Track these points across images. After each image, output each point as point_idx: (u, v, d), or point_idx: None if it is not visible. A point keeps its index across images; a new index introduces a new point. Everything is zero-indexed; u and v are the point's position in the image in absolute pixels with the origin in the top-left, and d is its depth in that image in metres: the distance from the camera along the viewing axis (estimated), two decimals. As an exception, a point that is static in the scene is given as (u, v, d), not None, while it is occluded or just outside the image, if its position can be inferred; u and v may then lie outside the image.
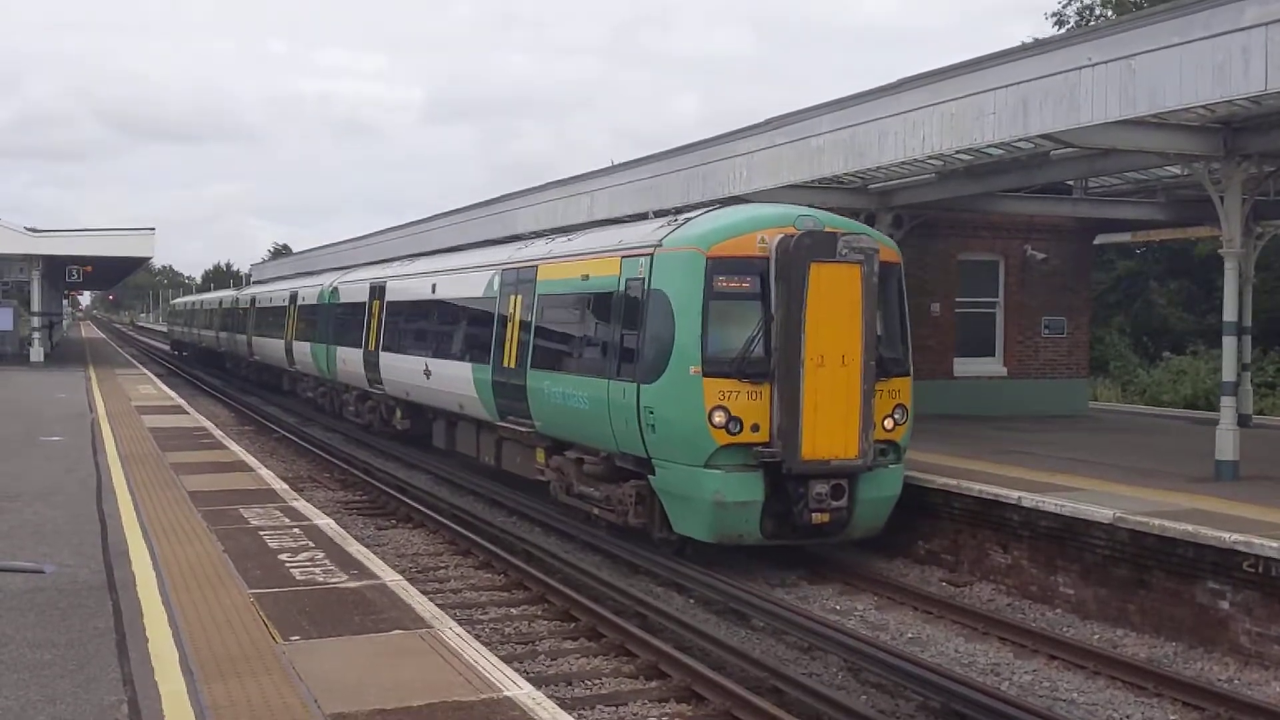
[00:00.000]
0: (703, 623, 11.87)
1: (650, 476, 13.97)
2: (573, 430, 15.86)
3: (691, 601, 12.96)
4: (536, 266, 17.55)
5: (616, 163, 25.13)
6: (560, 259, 16.99)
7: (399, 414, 25.13)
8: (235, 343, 45.93)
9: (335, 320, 29.77)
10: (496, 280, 18.95)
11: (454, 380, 20.17)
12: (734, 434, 13.06)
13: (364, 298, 27.25)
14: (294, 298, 35.36)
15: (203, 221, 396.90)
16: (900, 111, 15.07)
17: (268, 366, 40.50)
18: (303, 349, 33.02)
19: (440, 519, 17.20)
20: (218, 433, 22.17)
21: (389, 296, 25.61)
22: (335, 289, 30.46)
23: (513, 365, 17.56)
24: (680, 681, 10.04)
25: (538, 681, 9.23)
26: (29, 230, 38.39)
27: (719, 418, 12.99)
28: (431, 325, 22.72)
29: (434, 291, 22.52)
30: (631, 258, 14.51)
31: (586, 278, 15.65)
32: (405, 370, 23.38)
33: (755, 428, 13.10)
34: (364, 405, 27.77)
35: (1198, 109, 11.94)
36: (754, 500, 13.16)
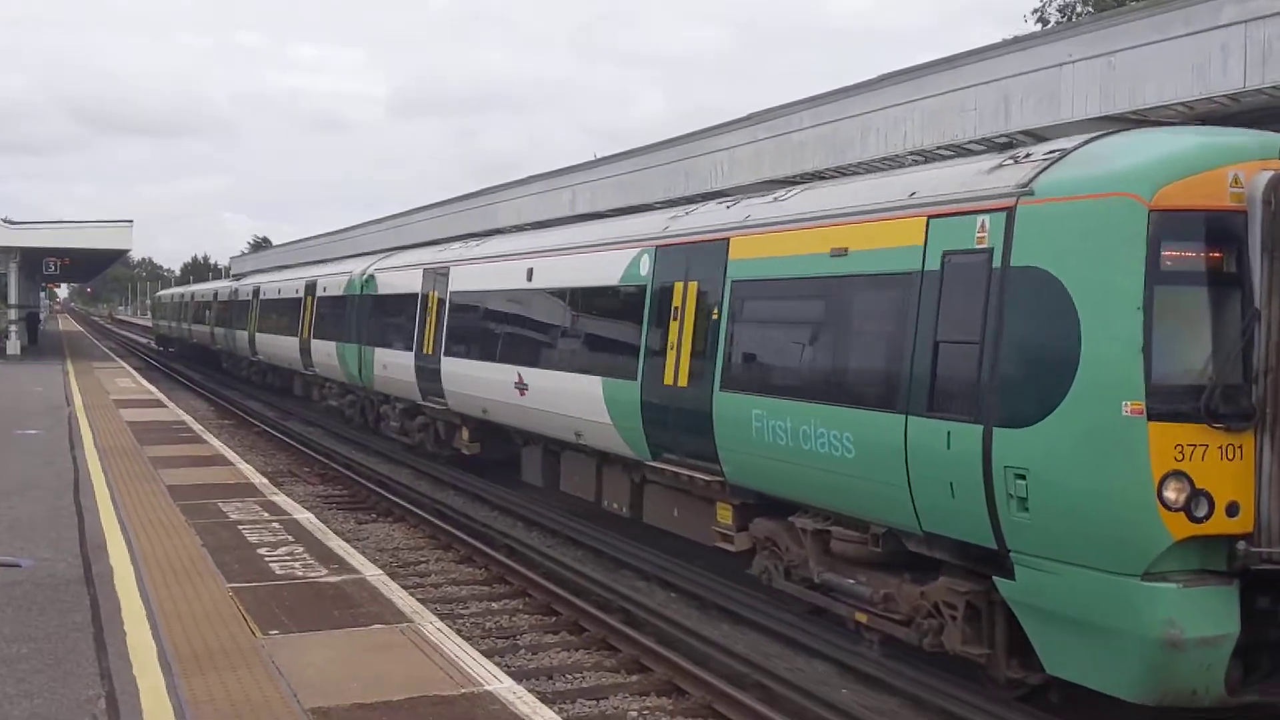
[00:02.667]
0: (686, 617, 11.86)
1: (999, 579, 8.67)
2: (810, 487, 10.55)
3: (674, 596, 12.97)
4: (727, 240, 12.11)
5: (598, 156, 25.09)
6: (774, 227, 11.46)
7: (465, 435, 20.05)
8: (235, 340, 40.64)
9: (371, 315, 24.60)
10: (646, 262, 13.56)
11: (569, 399, 15.01)
12: (1198, 520, 7.76)
13: (415, 287, 21.86)
14: (311, 288, 30.11)
15: (177, 216, 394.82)
16: (882, 107, 15.11)
17: (276, 368, 35.78)
18: (324, 350, 28.01)
19: (421, 513, 17.15)
20: (197, 427, 22.06)
21: (455, 285, 20.04)
22: (371, 278, 25.22)
23: (682, 383, 12.43)
24: (662, 675, 10.04)
25: (518, 676, 9.22)
26: (5, 222, 38.11)
27: (1174, 492, 7.70)
28: (527, 324, 17.19)
29: (530, 279, 16.90)
30: (955, 216, 9.08)
31: (841, 253, 10.17)
32: (482, 382, 18.13)
33: (1232, 509, 7.82)
34: (412, 421, 22.57)
35: (1177, 106, 11.98)
36: (1225, 635, 7.82)
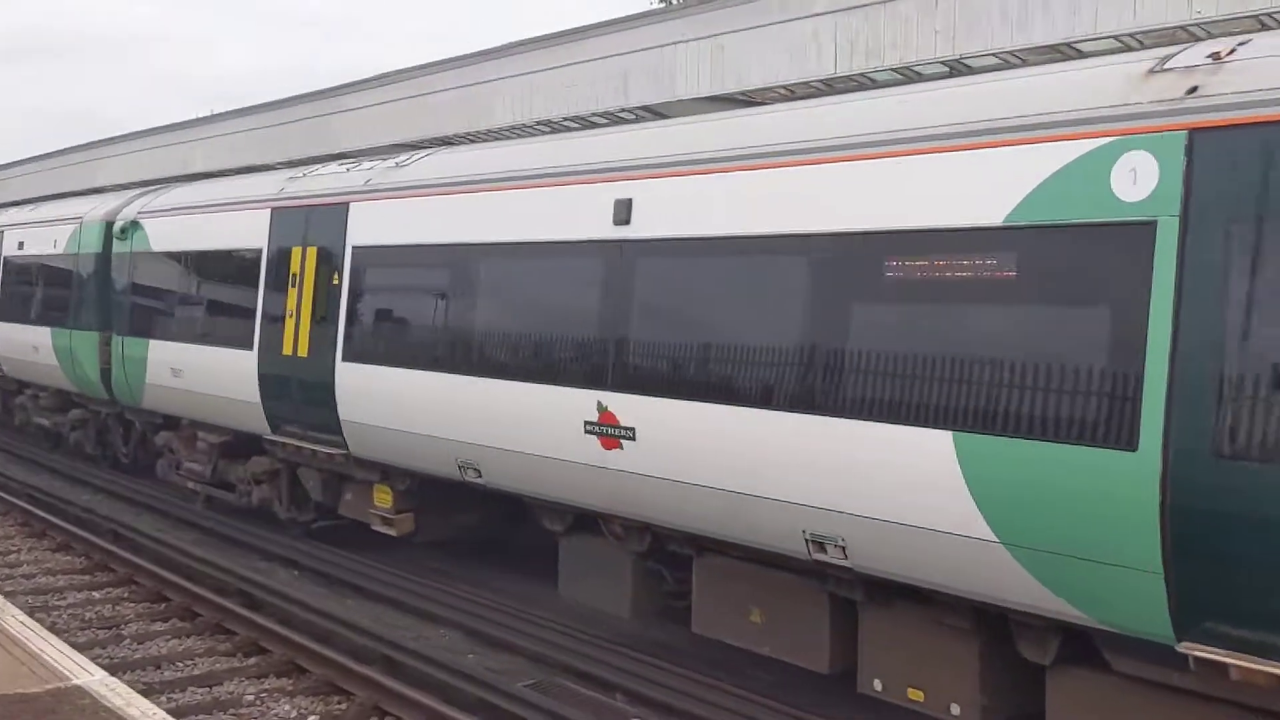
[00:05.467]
0: (311, 596, 11.47)
1: None
2: None
3: (297, 574, 12.52)
4: None
5: (217, 111, 23.66)
6: None
7: (388, 501, 11.90)
8: None
9: (140, 288, 15.73)
10: (1146, 169, 6.04)
11: (788, 472, 7.61)
12: None
13: (253, 240, 13.30)
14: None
15: None
16: (515, 74, 15.21)
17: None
18: (26, 339, 18.62)
19: (10, 499, 15.54)
20: None
21: (368, 236, 11.59)
22: (134, 226, 16.01)
23: None
24: (282, 656, 9.68)
25: (119, 667, 8.62)
26: None
27: None
28: (619, 309, 8.89)
29: (628, 220, 8.81)
30: None
31: None
32: (463, 414, 10.20)
33: None
34: (242, 466, 13.93)
35: (779, 89, 12.88)
36: None
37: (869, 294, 7.20)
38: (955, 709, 7.31)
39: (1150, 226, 5.92)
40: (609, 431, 8.66)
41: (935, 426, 6.68)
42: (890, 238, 7.03)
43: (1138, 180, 6.07)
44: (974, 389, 6.55)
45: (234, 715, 8.48)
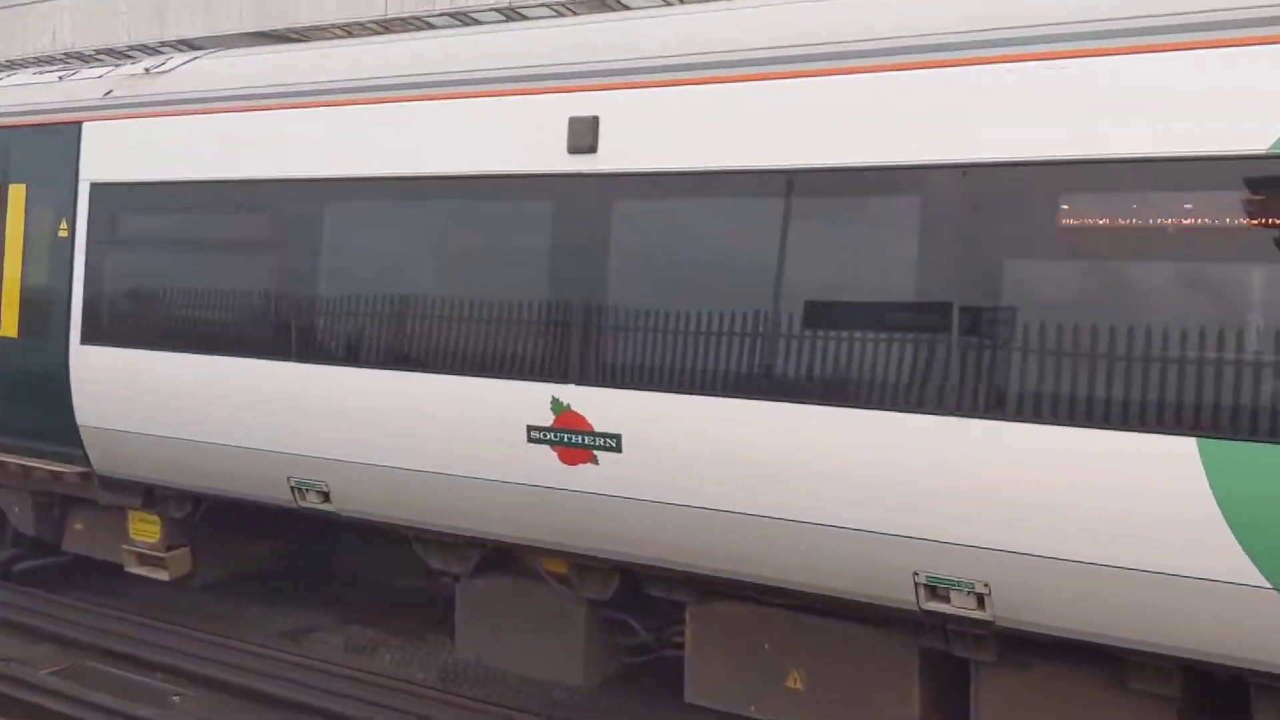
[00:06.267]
0: None
1: None
2: None
3: None
4: None
5: None
6: None
7: (156, 534, 8.89)
8: None
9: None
10: None
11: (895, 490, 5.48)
12: None
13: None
14: None
15: None
16: (29, 1, 13.70)
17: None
18: None
19: None
20: None
21: (131, 169, 8.15)
22: None
23: None
24: None
25: None
26: None
27: None
28: (595, 268, 6.35)
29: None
30: None
31: None
32: (323, 410, 7.28)
33: None
34: None
35: (332, 28, 12.45)
36: None
37: (1044, 248, 5.15)
38: None
39: None
40: (574, 440, 6.25)
41: (1169, 432, 4.76)
42: (1074, 170, 5.01)
43: None
44: (1235, 381, 4.65)
45: None
